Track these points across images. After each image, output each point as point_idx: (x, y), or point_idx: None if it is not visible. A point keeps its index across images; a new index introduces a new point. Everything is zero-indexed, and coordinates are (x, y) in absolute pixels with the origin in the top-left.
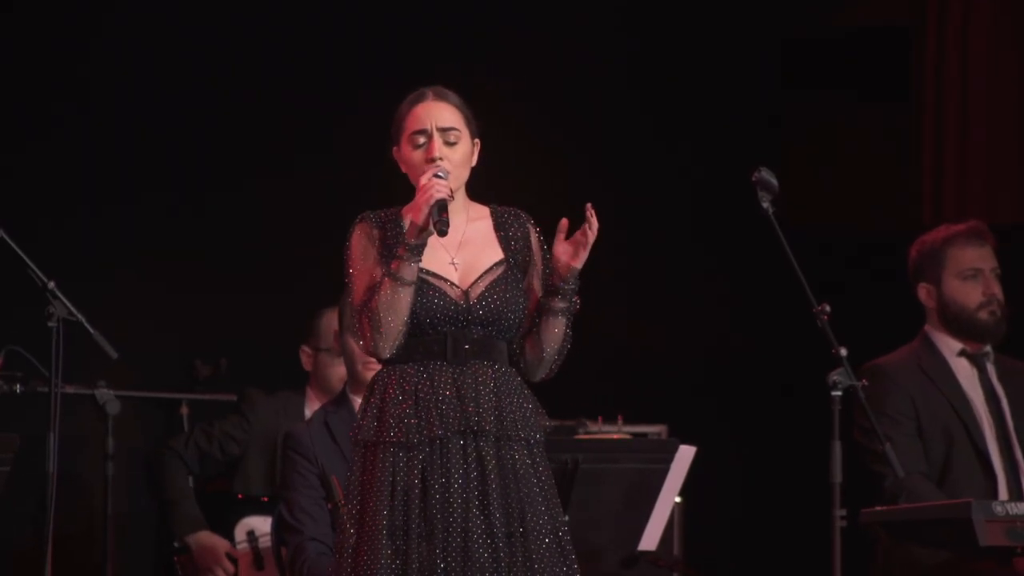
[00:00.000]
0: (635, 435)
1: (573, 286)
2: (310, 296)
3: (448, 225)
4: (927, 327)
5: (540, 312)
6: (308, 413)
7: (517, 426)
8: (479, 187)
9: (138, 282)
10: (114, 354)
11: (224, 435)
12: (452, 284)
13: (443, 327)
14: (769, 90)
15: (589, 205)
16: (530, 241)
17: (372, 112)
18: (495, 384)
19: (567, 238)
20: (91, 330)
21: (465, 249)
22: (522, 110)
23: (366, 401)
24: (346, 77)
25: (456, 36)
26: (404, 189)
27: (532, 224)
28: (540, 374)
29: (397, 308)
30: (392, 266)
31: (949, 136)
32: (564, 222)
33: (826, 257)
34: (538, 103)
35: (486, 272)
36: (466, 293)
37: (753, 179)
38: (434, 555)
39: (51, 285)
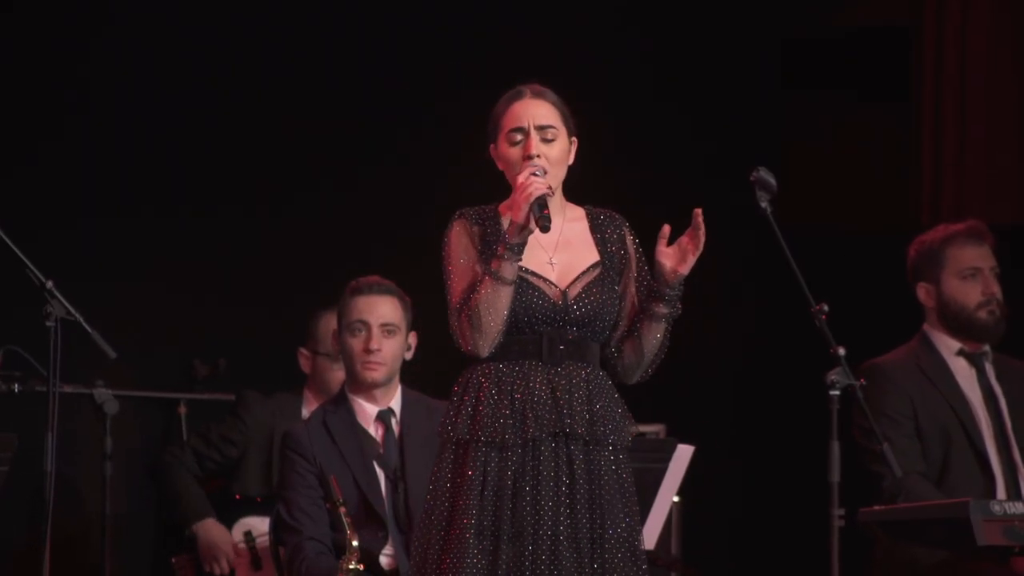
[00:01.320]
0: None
1: (678, 292)
2: (308, 296)
3: (550, 220)
4: (926, 326)
5: (642, 317)
6: (305, 414)
7: (608, 430)
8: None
9: (136, 282)
10: (112, 354)
11: (221, 439)
12: (551, 284)
13: (540, 327)
14: (768, 90)
15: (698, 211)
16: (626, 244)
17: (372, 115)
18: (587, 387)
19: (669, 244)
20: (89, 330)
21: (563, 249)
22: None
23: (458, 399)
24: (345, 83)
25: (455, 40)
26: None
27: (628, 227)
28: (636, 377)
29: (497, 307)
30: (492, 265)
31: (948, 136)
32: (666, 228)
33: (824, 256)
34: None
35: (583, 273)
36: (564, 293)
37: (752, 179)
38: (522, 557)
39: (49, 284)
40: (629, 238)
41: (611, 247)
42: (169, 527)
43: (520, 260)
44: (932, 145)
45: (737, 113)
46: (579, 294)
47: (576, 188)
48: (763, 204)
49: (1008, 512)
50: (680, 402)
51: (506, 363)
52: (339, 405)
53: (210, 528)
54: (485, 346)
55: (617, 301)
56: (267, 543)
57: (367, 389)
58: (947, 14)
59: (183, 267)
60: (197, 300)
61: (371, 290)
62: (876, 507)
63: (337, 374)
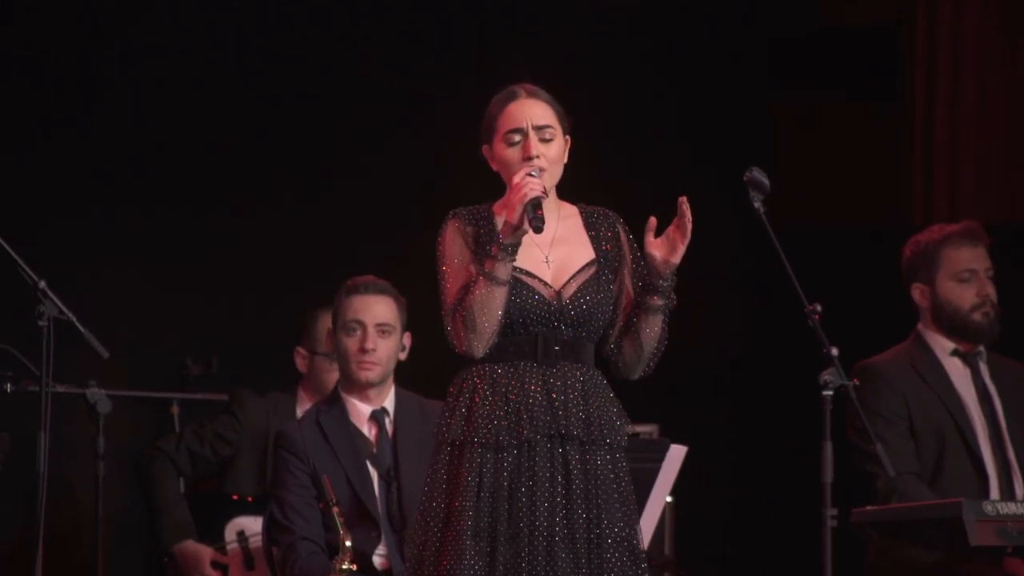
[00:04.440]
0: None
1: (671, 282)
2: (302, 295)
3: (544, 222)
4: (920, 326)
5: (638, 310)
6: (299, 413)
7: (604, 431)
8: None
9: (129, 281)
10: (105, 353)
11: (215, 436)
12: (545, 284)
13: (534, 327)
14: (758, 89)
15: (683, 198)
16: (620, 240)
17: (367, 113)
18: (583, 387)
19: (657, 235)
20: (82, 329)
21: (558, 247)
22: None
23: (453, 400)
24: (339, 82)
25: (450, 39)
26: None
27: (621, 223)
28: (638, 372)
29: (491, 308)
30: (486, 265)
31: (939, 135)
32: (653, 220)
33: (817, 256)
34: None
35: (579, 272)
36: (559, 293)
37: (745, 179)
38: (519, 558)
39: (42, 284)
40: (623, 234)
41: (605, 244)
42: None
43: (514, 260)
44: (922, 145)
45: (728, 112)
46: (574, 293)
47: (564, 186)
48: (756, 204)
49: (1001, 512)
50: (673, 402)
51: (501, 364)
52: (333, 405)
53: (187, 549)
54: (480, 347)
55: (612, 299)
56: (260, 543)
57: (361, 389)
58: (937, 14)
59: (176, 266)
60: (190, 300)
61: (367, 290)
62: (869, 507)
63: (333, 374)
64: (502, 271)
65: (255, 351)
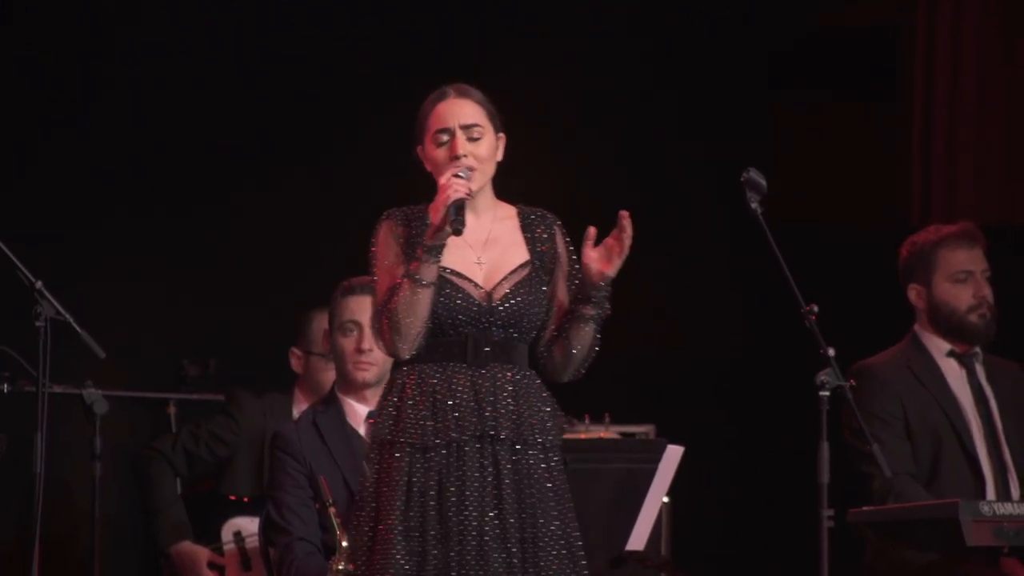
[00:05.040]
0: (623, 435)
1: (605, 292)
2: (299, 295)
3: (464, 224)
4: (916, 327)
5: (570, 318)
6: (296, 414)
7: (535, 431)
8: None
9: (126, 282)
10: (102, 353)
11: (212, 436)
12: (476, 285)
13: (464, 328)
14: (758, 89)
15: (624, 213)
16: (556, 243)
17: (363, 114)
18: (514, 387)
19: (595, 245)
20: (79, 329)
21: (491, 248)
22: (511, 111)
23: (384, 399)
24: (333, 81)
25: (441, 34)
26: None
27: (559, 226)
28: (567, 376)
29: (416, 309)
30: (411, 267)
31: (937, 137)
32: (592, 230)
33: (814, 257)
34: (525, 103)
35: (511, 273)
36: (489, 294)
37: (742, 179)
38: (448, 558)
39: (38, 285)
40: (560, 237)
41: (540, 247)
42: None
43: (439, 262)
44: (922, 145)
45: (727, 113)
46: (506, 294)
47: (558, 187)
48: (753, 205)
49: (997, 513)
50: (670, 403)
51: (430, 364)
52: (329, 405)
53: (183, 550)
54: (405, 349)
55: (545, 301)
56: (257, 543)
57: (358, 389)
58: (937, 15)
59: (173, 267)
60: (187, 300)
61: (363, 290)
62: (866, 508)
63: (329, 374)
64: (427, 273)
65: (253, 352)
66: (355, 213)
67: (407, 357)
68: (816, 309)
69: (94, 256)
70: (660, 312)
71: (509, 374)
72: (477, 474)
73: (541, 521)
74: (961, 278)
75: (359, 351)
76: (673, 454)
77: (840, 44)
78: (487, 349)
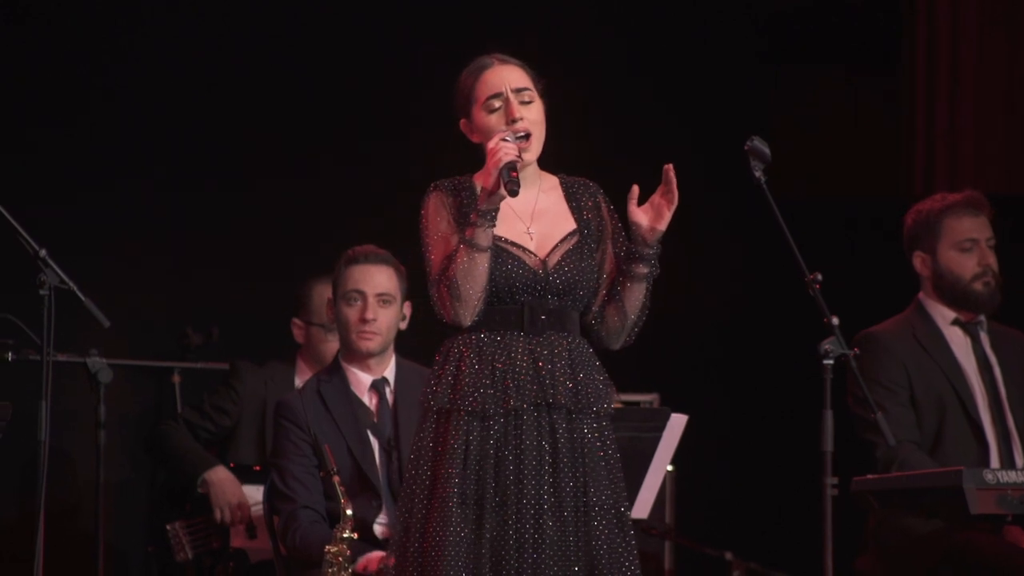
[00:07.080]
0: (627, 404)
1: (656, 250)
2: (301, 265)
3: (519, 185)
4: (921, 295)
5: (623, 278)
6: (298, 383)
7: (590, 399)
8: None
9: (130, 250)
10: (106, 322)
11: (215, 409)
12: (530, 253)
13: (520, 296)
14: (760, 62)
15: (669, 166)
16: (601, 210)
17: (364, 86)
18: (569, 355)
19: (640, 204)
20: (83, 298)
21: (540, 219)
22: None
23: (439, 368)
24: (335, 56)
25: (442, 15)
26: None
27: (602, 194)
28: (620, 341)
29: (475, 275)
30: (467, 233)
31: (940, 107)
32: (635, 188)
33: (818, 226)
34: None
35: (561, 242)
36: (544, 262)
37: (746, 148)
38: (506, 526)
39: (42, 253)
40: (604, 204)
41: (587, 214)
42: (166, 494)
43: (494, 227)
44: (924, 116)
45: (727, 86)
46: (558, 263)
47: (561, 161)
48: (757, 173)
49: (1001, 481)
50: (674, 372)
51: (487, 333)
52: (333, 374)
53: (222, 476)
54: (467, 315)
55: (596, 268)
56: (261, 512)
57: (362, 359)
58: None
59: (176, 236)
60: (190, 269)
61: (367, 260)
62: (870, 476)
63: (331, 344)
64: (482, 238)
65: (256, 320)
66: (357, 182)
67: (468, 324)
68: (820, 278)
69: (98, 225)
70: (664, 282)
71: (565, 342)
72: (535, 443)
73: (593, 491)
74: (966, 246)
75: (363, 320)
76: (677, 422)
77: (840, 15)
78: (543, 317)
